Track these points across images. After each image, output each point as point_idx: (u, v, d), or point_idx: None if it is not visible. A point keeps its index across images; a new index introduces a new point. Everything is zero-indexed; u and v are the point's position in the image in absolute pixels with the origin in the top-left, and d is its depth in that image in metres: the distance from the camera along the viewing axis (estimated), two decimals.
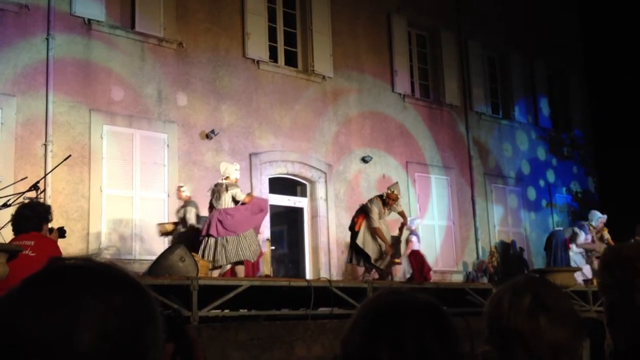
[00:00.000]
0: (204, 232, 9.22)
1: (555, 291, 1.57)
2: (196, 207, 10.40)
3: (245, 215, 9.24)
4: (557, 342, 1.48)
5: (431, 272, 12.90)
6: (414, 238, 12.89)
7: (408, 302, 1.21)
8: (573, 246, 12.61)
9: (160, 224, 10.78)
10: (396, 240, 10.95)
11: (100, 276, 0.86)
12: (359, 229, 10.32)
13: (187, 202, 10.49)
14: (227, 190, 9.29)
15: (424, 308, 1.20)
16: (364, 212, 10.50)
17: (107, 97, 11.70)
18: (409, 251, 12.73)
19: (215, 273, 9.22)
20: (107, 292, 0.84)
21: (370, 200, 10.58)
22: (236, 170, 9.63)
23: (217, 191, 9.35)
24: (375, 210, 10.18)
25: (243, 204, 9.34)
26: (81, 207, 10.96)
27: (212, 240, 9.11)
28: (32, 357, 0.78)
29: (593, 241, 12.53)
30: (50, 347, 0.78)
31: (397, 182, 11.79)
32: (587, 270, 12.36)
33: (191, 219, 10.26)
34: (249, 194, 9.85)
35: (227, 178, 9.47)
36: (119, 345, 0.81)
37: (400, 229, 11.36)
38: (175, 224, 10.54)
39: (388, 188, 10.79)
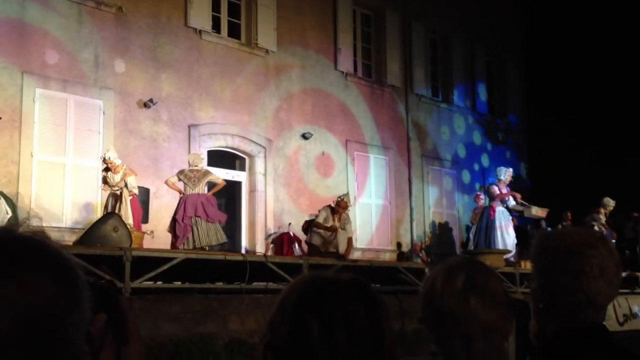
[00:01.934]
0: (190, 214, 9.71)
1: (487, 272, 1.59)
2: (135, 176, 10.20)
3: (216, 208, 10.14)
4: (488, 323, 1.50)
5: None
6: None
7: (333, 280, 1.22)
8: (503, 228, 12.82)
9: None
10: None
11: (16, 254, 0.78)
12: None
13: (125, 171, 10.08)
14: (204, 176, 10.04)
15: (349, 284, 1.21)
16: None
17: (41, 60, 11.27)
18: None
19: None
20: (24, 272, 0.77)
21: (321, 208, 11.05)
22: (202, 159, 10.60)
23: (193, 177, 9.95)
24: (322, 215, 10.73)
25: (218, 186, 10.22)
26: (10, 172, 10.59)
27: (201, 222, 9.78)
28: None
29: (507, 193, 12.86)
30: None
31: (347, 192, 11.87)
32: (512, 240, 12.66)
33: (135, 189, 10.05)
34: (223, 179, 10.69)
35: (196, 166, 10.10)
36: (37, 330, 0.75)
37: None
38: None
39: (338, 196, 11.02)
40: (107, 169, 9.99)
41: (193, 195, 9.85)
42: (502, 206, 12.79)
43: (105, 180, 10.07)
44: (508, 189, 12.88)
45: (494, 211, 12.64)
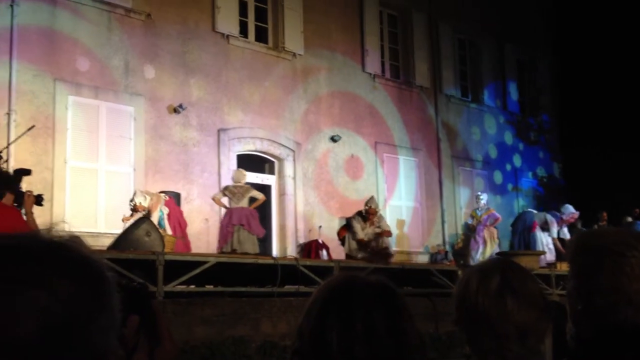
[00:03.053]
0: (236, 222, 10.46)
1: (522, 273, 1.58)
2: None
3: (258, 222, 10.91)
4: (524, 324, 1.49)
5: None
6: None
7: (358, 283, 1.22)
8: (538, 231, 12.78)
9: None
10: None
11: (47, 260, 0.79)
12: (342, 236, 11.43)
13: (152, 205, 10.16)
14: (247, 192, 10.81)
15: (374, 288, 1.21)
16: (346, 226, 11.35)
17: (73, 67, 11.44)
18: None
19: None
20: (53, 278, 0.78)
21: (352, 218, 11.28)
22: (245, 175, 11.15)
23: (237, 193, 10.75)
24: (357, 226, 11.00)
25: (256, 200, 10.97)
26: (44, 179, 10.74)
27: (243, 231, 10.50)
28: None
29: (559, 235, 12.85)
30: None
31: (372, 196, 11.82)
32: (551, 252, 12.59)
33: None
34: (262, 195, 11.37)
35: (239, 182, 10.86)
36: (65, 335, 0.76)
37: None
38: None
39: (365, 204, 11.12)
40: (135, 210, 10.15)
41: (238, 209, 10.64)
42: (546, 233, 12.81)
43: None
44: (565, 228, 12.93)
45: (534, 226, 12.70)
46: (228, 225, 10.58)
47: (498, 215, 13.87)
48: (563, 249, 12.49)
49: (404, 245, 15.35)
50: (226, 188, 11.00)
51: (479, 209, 13.82)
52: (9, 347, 0.73)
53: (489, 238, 13.21)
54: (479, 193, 14.28)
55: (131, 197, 10.25)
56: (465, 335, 1.55)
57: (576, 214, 13.04)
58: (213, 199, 11.25)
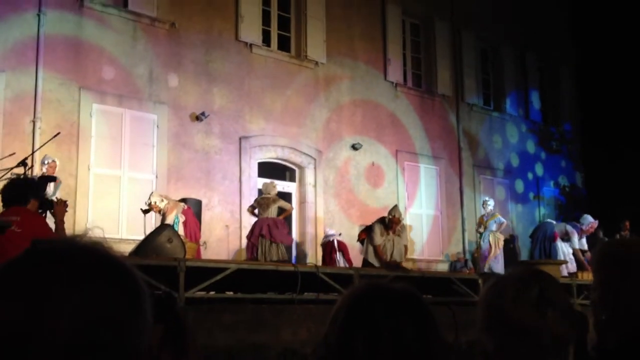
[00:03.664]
0: (257, 234, 10.76)
1: (557, 284, 1.58)
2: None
3: (285, 231, 11.18)
4: (561, 336, 1.49)
5: None
6: None
7: (384, 292, 1.21)
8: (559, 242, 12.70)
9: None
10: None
11: (81, 263, 0.81)
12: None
13: (168, 209, 10.27)
14: (274, 202, 10.99)
15: (400, 296, 1.20)
16: (367, 230, 11.22)
17: (98, 76, 11.59)
18: None
19: None
20: (88, 280, 0.79)
21: (374, 223, 11.11)
22: (274, 187, 11.33)
23: (264, 203, 10.99)
24: (377, 231, 10.81)
25: (284, 211, 11.24)
26: (68, 186, 10.88)
27: (265, 241, 10.73)
28: None
29: (580, 239, 12.73)
30: (20, 340, 0.75)
31: (396, 205, 11.78)
32: (572, 262, 12.49)
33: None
34: (291, 206, 11.91)
35: (268, 193, 11.07)
36: (99, 337, 0.77)
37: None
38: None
39: (389, 213, 10.97)
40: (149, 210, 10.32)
41: (263, 219, 10.88)
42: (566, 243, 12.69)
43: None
44: (584, 239, 12.82)
45: (555, 236, 12.59)
46: (252, 238, 10.87)
47: (504, 220, 13.72)
48: (583, 259, 12.41)
49: (424, 254, 15.29)
50: (256, 200, 11.32)
51: (486, 214, 13.67)
52: (43, 348, 0.75)
53: (494, 244, 13.08)
54: (487, 199, 14.08)
55: (148, 195, 10.37)
56: (493, 344, 1.54)
57: (595, 223, 12.91)
58: (248, 210, 11.62)
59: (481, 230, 13.58)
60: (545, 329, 1.47)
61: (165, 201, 10.20)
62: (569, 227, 12.81)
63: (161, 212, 10.13)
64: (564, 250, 12.48)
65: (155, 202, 10.06)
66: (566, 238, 12.66)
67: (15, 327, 0.75)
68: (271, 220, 10.85)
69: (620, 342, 1.63)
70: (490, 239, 13.12)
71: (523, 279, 1.56)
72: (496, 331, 1.52)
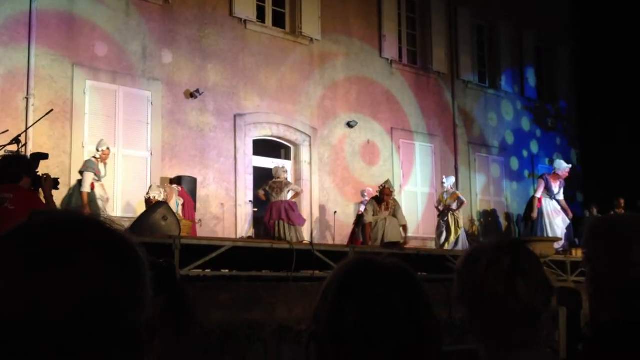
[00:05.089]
0: (275, 218, 11.01)
1: (532, 257, 1.57)
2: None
3: (299, 213, 11.54)
4: (531, 308, 1.48)
5: None
6: None
7: (375, 266, 1.20)
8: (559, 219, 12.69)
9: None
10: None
11: (81, 235, 0.80)
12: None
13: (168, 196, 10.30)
14: (286, 186, 11.35)
15: (391, 271, 1.19)
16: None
17: (91, 52, 11.49)
18: None
19: None
20: (87, 254, 0.79)
21: (367, 204, 11.58)
22: (285, 171, 11.77)
23: (276, 187, 11.25)
24: (369, 210, 11.18)
25: (297, 194, 11.95)
26: (62, 163, 10.84)
27: (283, 224, 11.02)
28: None
29: (560, 187, 12.75)
30: (19, 314, 0.74)
31: (388, 179, 11.81)
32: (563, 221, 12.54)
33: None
34: (300, 187, 12.39)
35: (279, 177, 11.33)
36: (99, 311, 0.77)
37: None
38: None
39: (379, 185, 11.35)
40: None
41: (277, 202, 11.15)
42: (549, 198, 12.63)
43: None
44: (561, 182, 12.72)
45: (540, 202, 12.54)
46: (270, 221, 11.09)
47: (464, 199, 13.59)
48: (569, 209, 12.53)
49: (419, 231, 15.34)
50: (266, 184, 11.46)
51: (445, 192, 13.48)
52: (44, 323, 0.75)
53: (453, 224, 13.00)
54: (444, 177, 13.88)
55: (147, 190, 10.37)
56: (467, 314, 1.54)
57: (569, 167, 12.84)
58: (258, 194, 11.78)
59: (441, 208, 13.40)
60: (515, 299, 1.47)
61: (163, 191, 10.22)
62: (539, 180, 12.89)
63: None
64: (555, 228, 12.48)
65: (155, 197, 10.04)
66: (550, 192, 12.63)
67: (12, 301, 0.75)
68: (286, 204, 11.17)
69: (613, 318, 1.63)
70: (450, 220, 12.99)
71: (497, 249, 1.55)
72: (469, 300, 1.53)
